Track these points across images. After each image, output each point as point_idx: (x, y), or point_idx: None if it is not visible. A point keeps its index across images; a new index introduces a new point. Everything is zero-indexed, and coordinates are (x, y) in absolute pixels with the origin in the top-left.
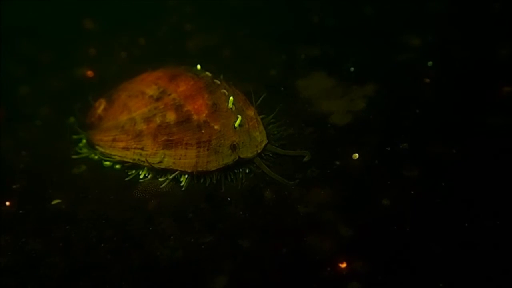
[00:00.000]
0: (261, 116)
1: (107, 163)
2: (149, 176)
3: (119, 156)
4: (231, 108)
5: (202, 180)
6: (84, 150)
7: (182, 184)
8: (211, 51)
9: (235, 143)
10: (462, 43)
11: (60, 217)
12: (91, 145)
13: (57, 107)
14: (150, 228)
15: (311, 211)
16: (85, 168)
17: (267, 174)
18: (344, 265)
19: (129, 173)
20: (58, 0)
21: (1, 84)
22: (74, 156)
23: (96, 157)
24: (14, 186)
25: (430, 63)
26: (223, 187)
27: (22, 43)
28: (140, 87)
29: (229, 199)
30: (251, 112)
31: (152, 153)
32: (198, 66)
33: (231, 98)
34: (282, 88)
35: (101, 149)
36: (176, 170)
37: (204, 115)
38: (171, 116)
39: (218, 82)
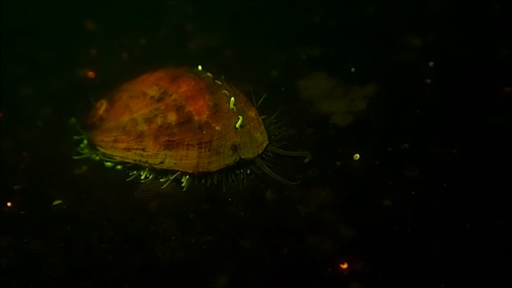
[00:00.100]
0: (262, 117)
1: (109, 163)
2: (150, 177)
3: (120, 157)
4: (232, 109)
5: (203, 181)
6: (86, 151)
7: (183, 184)
8: (212, 51)
9: (236, 143)
10: (462, 43)
11: (61, 217)
12: (92, 146)
13: (58, 107)
14: (151, 229)
15: (312, 211)
16: (86, 168)
17: (268, 175)
18: (345, 265)
19: (130, 174)
20: (59, 0)
21: (1, 85)
22: (75, 157)
23: (97, 157)
24: (15, 187)
25: (431, 63)
26: (224, 188)
27: (22, 43)
28: (141, 87)
29: (230, 199)
30: (252, 112)
31: (153, 154)
32: (199, 67)
33: (232, 98)
34: (283, 89)
35: (102, 150)
36: (177, 170)
37: (205, 116)
38: (172, 117)
39: (219, 82)
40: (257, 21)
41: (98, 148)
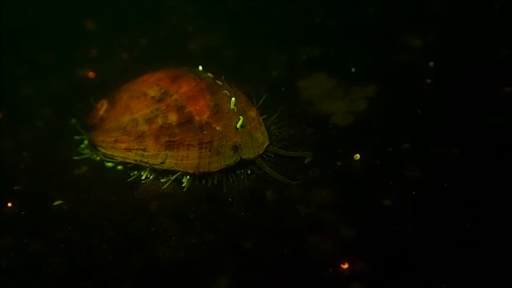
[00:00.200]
0: (263, 117)
1: (109, 164)
2: (151, 177)
3: (121, 157)
4: (233, 109)
5: (203, 181)
6: (86, 151)
7: (183, 185)
8: (212, 51)
9: (237, 144)
10: (462, 43)
11: (61, 218)
12: (93, 146)
13: (58, 108)
14: (152, 229)
15: (312, 211)
16: (86, 169)
17: (268, 175)
18: (346, 265)
19: (131, 174)
20: (59, 1)
21: (1, 85)
22: (75, 157)
23: (98, 158)
24: (15, 187)
25: (431, 63)
26: (224, 188)
27: (22, 43)
28: (142, 88)
29: (230, 200)
30: (253, 113)
31: (154, 154)
32: (200, 67)
33: (233, 99)
34: (283, 89)
35: (103, 150)
36: (178, 171)
37: (206, 116)
38: (173, 117)
39: (220, 83)
40: (257, 21)
41: (99, 148)
